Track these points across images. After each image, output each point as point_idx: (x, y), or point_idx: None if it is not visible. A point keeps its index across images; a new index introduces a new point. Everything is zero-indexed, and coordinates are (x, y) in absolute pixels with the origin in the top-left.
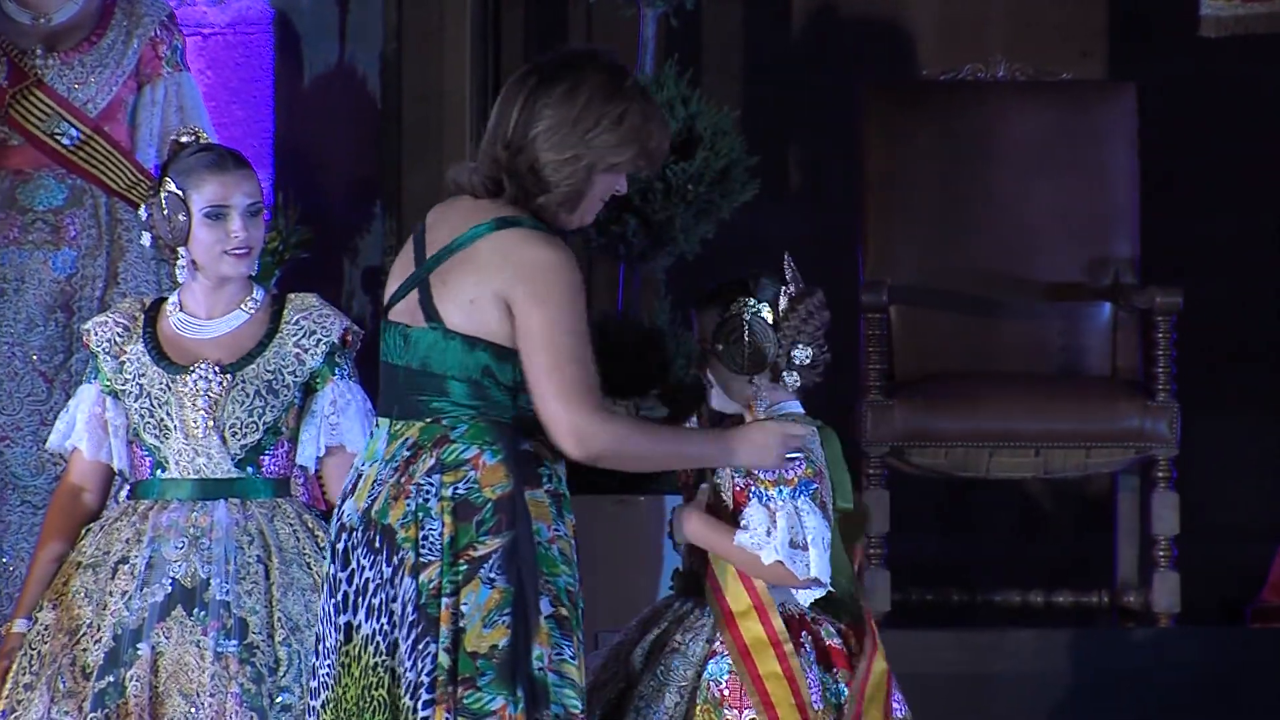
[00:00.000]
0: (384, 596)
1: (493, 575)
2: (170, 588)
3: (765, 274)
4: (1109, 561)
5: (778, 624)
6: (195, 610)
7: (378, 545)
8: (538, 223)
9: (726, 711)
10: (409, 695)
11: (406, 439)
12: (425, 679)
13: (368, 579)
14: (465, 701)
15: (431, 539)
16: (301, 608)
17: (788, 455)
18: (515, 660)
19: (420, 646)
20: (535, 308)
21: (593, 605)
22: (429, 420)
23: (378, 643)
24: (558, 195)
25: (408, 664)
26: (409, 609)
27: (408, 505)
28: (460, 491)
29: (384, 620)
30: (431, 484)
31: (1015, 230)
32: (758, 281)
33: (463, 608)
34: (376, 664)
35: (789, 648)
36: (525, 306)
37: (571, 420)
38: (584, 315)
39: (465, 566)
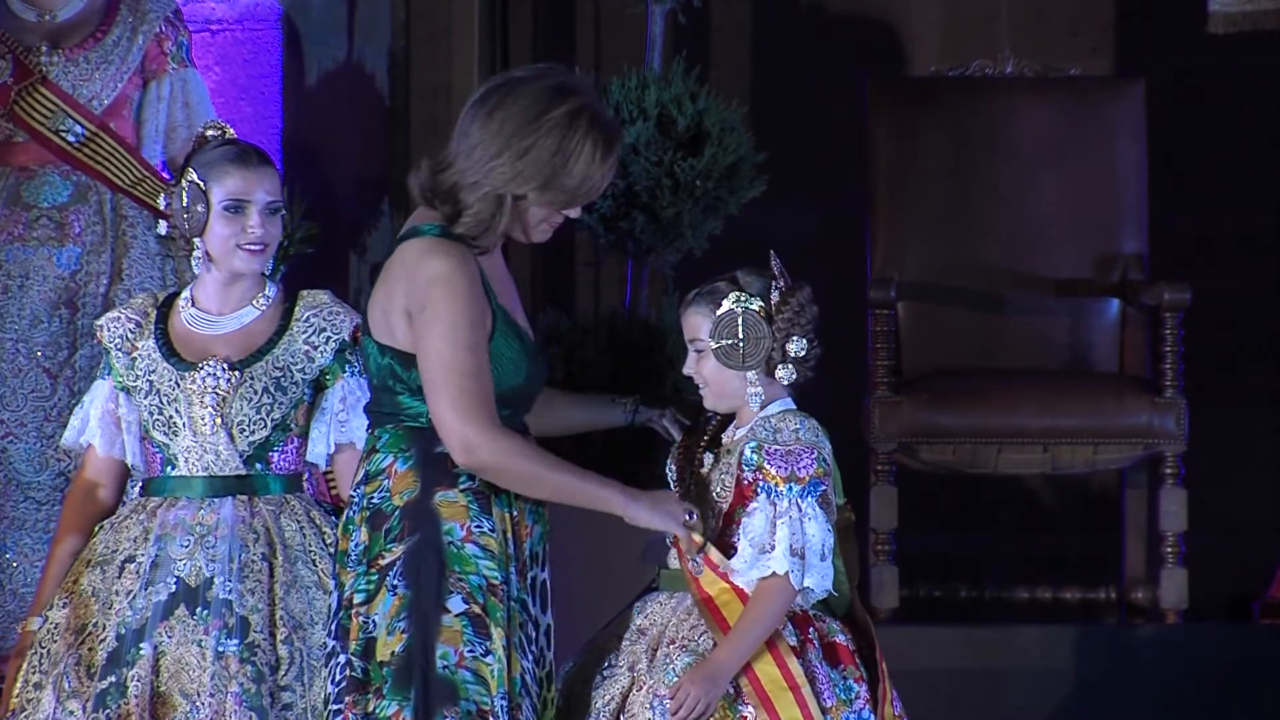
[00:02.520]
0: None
1: (395, 582)
2: (175, 586)
3: (751, 270)
4: (1117, 558)
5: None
6: (198, 609)
7: (333, 559)
8: (445, 230)
9: (741, 709)
10: (324, 707)
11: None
12: (333, 689)
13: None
14: (374, 711)
15: (355, 550)
16: (305, 605)
17: (687, 522)
18: (410, 664)
19: (334, 657)
20: (429, 323)
21: (585, 602)
22: (371, 430)
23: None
24: (467, 221)
25: (325, 675)
26: (331, 622)
27: (344, 519)
28: (375, 501)
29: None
30: (355, 495)
31: (1023, 226)
32: (747, 277)
33: (373, 617)
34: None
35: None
36: (420, 321)
37: (459, 430)
38: (480, 324)
39: (375, 575)
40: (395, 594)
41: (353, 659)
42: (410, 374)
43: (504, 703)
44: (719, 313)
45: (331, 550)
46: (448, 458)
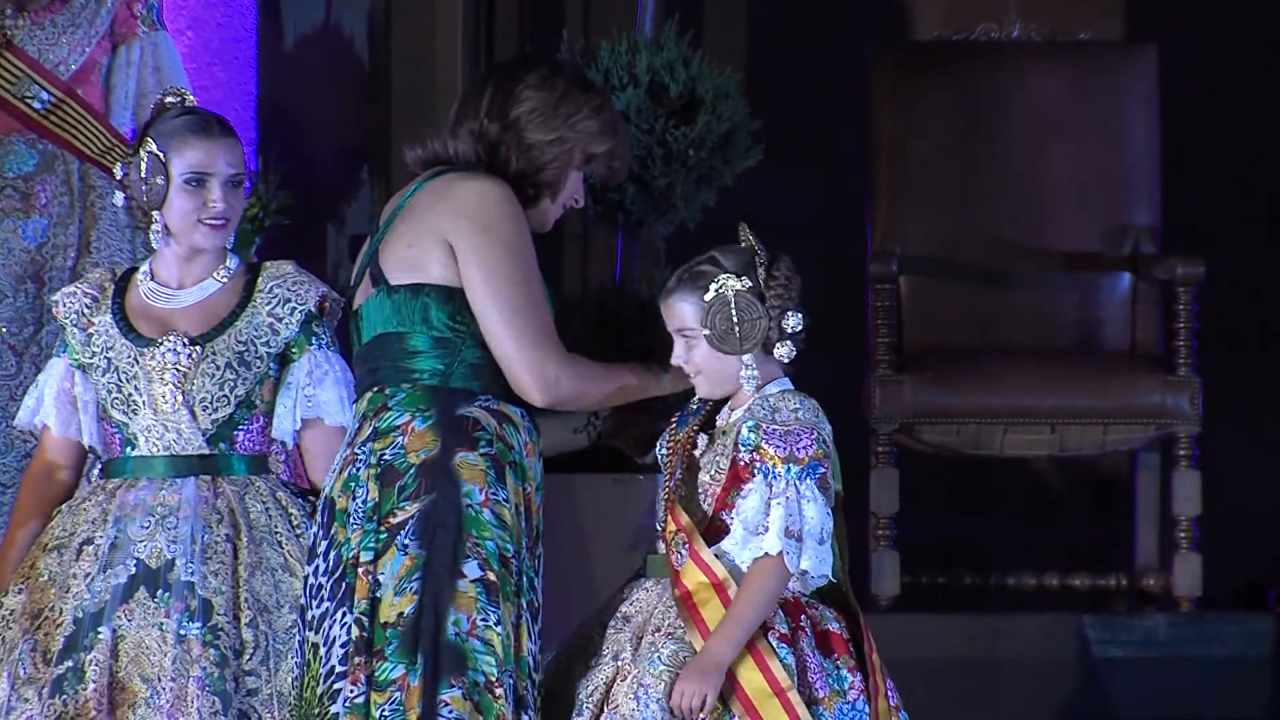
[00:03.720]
0: (326, 570)
1: (406, 541)
2: (134, 569)
3: (728, 248)
4: (1127, 543)
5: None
6: (159, 591)
7: (325, 521)
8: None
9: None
10: (324, 668)
11: (359, 412)
12: (339, 650)
13: (318, 564)
14: (375, 674)
15: (358, 507)
16: (270, 588)
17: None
18: (419, 627)
19: (337, 615)
20: (480, 247)
21: (588, 584)
22: (374, 390)
23: (312, 619)
24: (548, 174)
25: (325, 636)
26: (330, 580)
27: (345, 476)
28: (387, 457)
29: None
30: (362, 453)
31: (1030, 198)
32: (726, 257)
33: (380, 576)
34: (307, 639)
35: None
36: (469, 246)
37: (539, 365)
38: (532, 255)
39: (385, 534)
40: (406, 554)
41: (361, 618)
42: (446, 310)
43: (510, 680)
44: (707, 298)
45: (299, 532)
46: (469, 419)
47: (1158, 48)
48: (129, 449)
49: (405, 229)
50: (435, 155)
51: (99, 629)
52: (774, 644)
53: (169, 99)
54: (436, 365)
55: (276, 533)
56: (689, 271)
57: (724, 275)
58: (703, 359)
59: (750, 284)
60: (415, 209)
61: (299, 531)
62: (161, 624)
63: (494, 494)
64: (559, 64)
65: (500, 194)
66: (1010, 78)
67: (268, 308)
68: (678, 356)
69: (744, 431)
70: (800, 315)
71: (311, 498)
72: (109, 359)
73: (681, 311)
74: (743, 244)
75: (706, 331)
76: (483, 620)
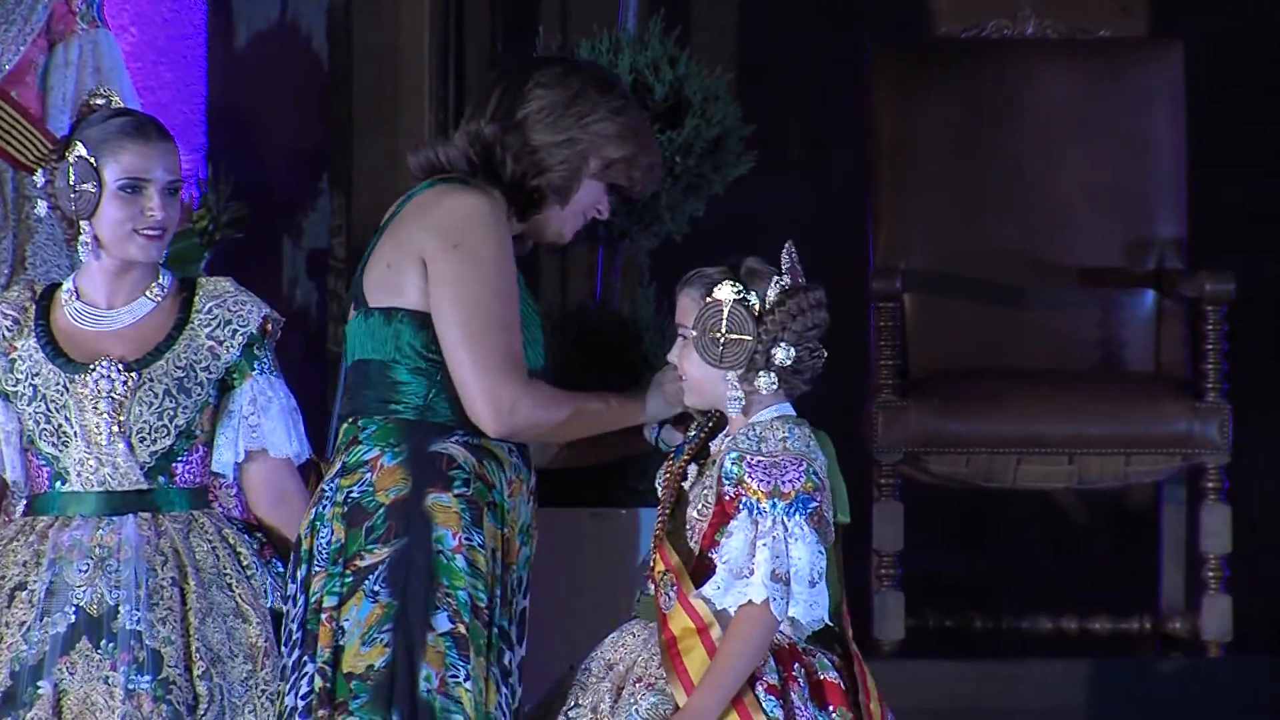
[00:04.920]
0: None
1: (377, 588)
2: (74, 616)
3: (759, 261)
4: (1151, 583)
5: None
6: (103, 641)
7: (294, 559)
8: (475, 182)
9: None
10: None
11: (335, 445)
12: (300, 703)
13: (289, 608)
14: None
15: (322, 548)
16: (223, 635)
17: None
18: (393, 682)
19: (300, 666)
20: (459, 260)
21: (569, 624)
22: (350, 421)
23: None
24: (555, 178)
25: (288, 685)
26: (294, 626)
27: (311, 515)
28: (354, 495)
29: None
30: (329, 489)
31: (1045, 208)
32: (749, 267)
33: (344, 623)
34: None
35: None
36: (438, 265)
37: (492, 390)
38: (507, 273)
39: (351, 577)
40: (376, 601)
41: (324, 667)
42: (420, 337)
43: None
44: (707, 300)
45: (250, 573)
46: (443, 457)
47: (1183, 45)
48: (58, 483)
49: (387, 245)
50: (429, 162)
51: (39, 683)
52: (761, 697)
53: (97, 99)
54: (415, 398)
55: (225, 574)
56: (710, 269)
57: (732, 284)
58: (691, 365)
59: (754, 301)
60: (401, 223)
61: (250, 573)
62: (108, 677)
63: (468, 539)
64: (577, 63)
65: (478, 208)
66: (1023, 77)
67: (207, 330)
68: (673, 354)
69: (727, 464)
70: (795, 351)
71: (259, 534)
72: (35, 386)
73: (684, 306)
74: (783, 263)
75: (694, 333)
76: (452, 676)
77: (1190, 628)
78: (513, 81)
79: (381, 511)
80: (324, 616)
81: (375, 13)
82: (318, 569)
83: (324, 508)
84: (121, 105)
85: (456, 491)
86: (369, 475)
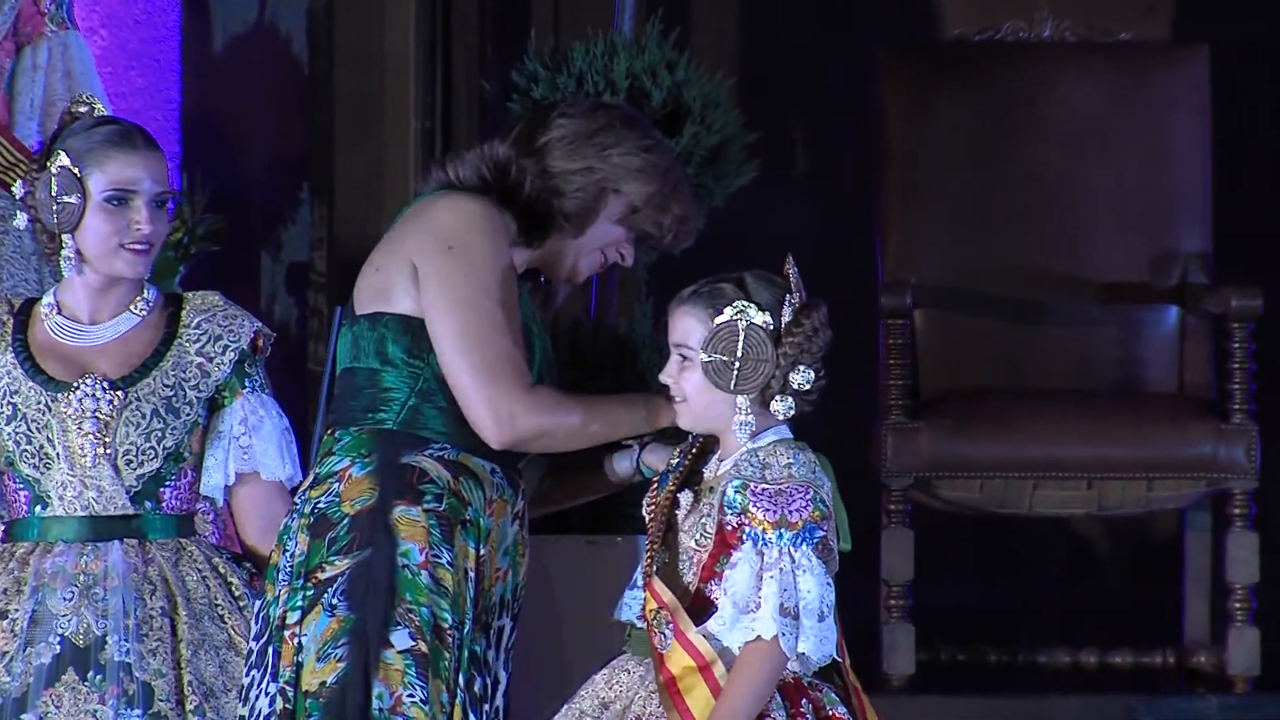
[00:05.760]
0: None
1: (334, 601)
2: (59, 647)
3: (763, 275)
4: (1175, 615)
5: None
6: (90, 674)
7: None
8: (475, 192)
9: None
10: None
11: (314, 459)
12: None
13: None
14: None
15: (287, 561)
16: (216, 669)
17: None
18: (344, 699)
19: (261, 686)
20: (441, 268)
21: (558, 661)
22: (329, 433)
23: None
24: (569, 203)
25: (251, 709)
26: (253, 643)
27: (280, 529)
28: (321, 506)
29: None
30: (299, 502)
31: (1063, 219)
32: (756, 284)
33: (303, 639)
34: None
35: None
36: (430, 267)
37: (492, 399)
38: (504, 277)
39: (311, 590)
40: (333, 614)
41: (285, 687)
42: (403, 345)
43: None
44: (717, 321)
45: (242, 604)
46: (414, 469)
47: (1209, 49)
48: (39, 508)
49: (380, 251)
50: (440, 181)
51: (23, 716)
52: None
53: (79, 107)
54: (400, 406)
55: (217, 605)
56: (709, 285)
57: (744, 303)
58: (693, 387)
59: (770, 323)
60: (395, 230)
61: (242, 604)
62: (96, 711)
63: (435, 555)
64: (612, 104)
65: (474, 210)
66: (1041, 83)
67: (196, 346)
68: (667, 374)
69: (729, 492)
70: (812, 373)
71: (248, 564)
72: (14, 405)
73: (686, 326)
74: (786, 276)
75: (705, 358)
76: (409, 696)
77: (1216, 662)
78: (539, 111)
79: (346, 522)
80: (287, 633)
81: (358, 14)
82: (282, 583)
83: (292, 520)
84: (105, 113)
85: (426, 506)
86: (336, 485)
